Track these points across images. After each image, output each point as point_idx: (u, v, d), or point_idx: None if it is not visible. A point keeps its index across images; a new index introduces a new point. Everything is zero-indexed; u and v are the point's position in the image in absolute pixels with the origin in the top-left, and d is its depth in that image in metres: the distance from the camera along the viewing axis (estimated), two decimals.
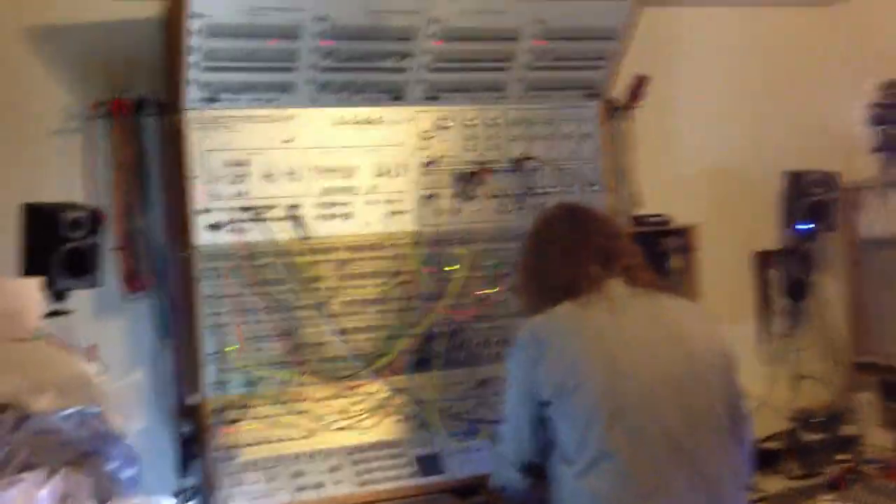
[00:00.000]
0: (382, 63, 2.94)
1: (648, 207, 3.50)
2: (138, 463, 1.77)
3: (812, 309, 3.78)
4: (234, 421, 2.81)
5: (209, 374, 2.83)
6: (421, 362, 3.04)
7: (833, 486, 3.13)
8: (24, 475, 1.63)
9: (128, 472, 1.73)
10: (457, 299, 3.08)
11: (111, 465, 1.72)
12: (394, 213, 3.05)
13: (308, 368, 2.92)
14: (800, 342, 3.81)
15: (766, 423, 3.63)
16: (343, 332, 2.96)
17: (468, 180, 3.13)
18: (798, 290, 3.78)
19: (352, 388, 2.97)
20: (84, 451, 1.70)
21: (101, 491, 1.64)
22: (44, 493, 1.63)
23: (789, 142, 3.82)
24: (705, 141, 3.73)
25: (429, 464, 2.95)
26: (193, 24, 2.64)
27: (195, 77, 2.74)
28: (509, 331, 3.13)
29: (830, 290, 3.80)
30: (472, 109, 3.15)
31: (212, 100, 2.80)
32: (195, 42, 2.68)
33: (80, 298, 2.77)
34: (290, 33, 2.78)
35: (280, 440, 2.86)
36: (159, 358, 2.97)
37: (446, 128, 3.12)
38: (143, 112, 2.92)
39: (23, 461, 1.65)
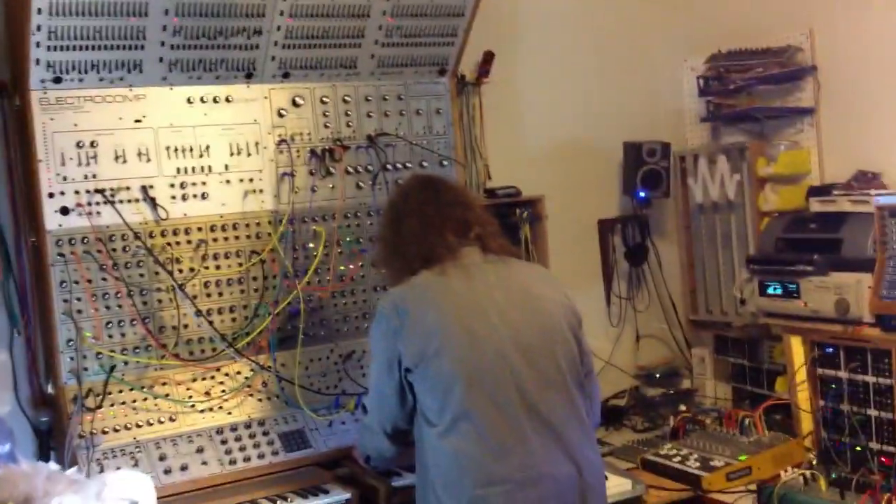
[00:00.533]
0: (233, 40, 2.92)
1: (499, 180, 3.62)
2: (12, 438, 1.74)
3: (650, 272, 4.01)
4: (93, 408, 2.76)
5: (66, 361, 2.77)
6: (282, 340, 3.06)
7: (674, 435, 3.35)
8: None
9: (3, 447, 1.70)
10: (316, 276, 3.12)
11: None
12: (250, 191, 3.05)
13: (168, 351, 2.90)
14: (640, 303, 4.03)
15: (612, 382, 3.86)
16: (202, 313, 2.95)
17: (323, 158, 3.16)
18: (637, 255, 3.99)
19: (213, 369, 2.97)
20: None
21: None
22: None
23: (627, 114, 4.01)
24: (550, 115, 3.87)
25: (293, 439, 2.98)
26: (37, 2, 2.55)
27: (39, 56, 2.65)
28: (369, 305, 3.21)
29: (667, 253, 4.02)
30: (325, 87, 3.17)
31: (57, 80, 2.71)
32: (38, 20, 2.59)
33: None
34: (137, 10, 2.72)
35: (143, 425, 2.84)
36: (13, 347, 2.87)
37: (300, 105, 3.13)
38: None
39: None
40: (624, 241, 3.99)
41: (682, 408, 3.59)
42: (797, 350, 3.16)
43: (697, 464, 3.02)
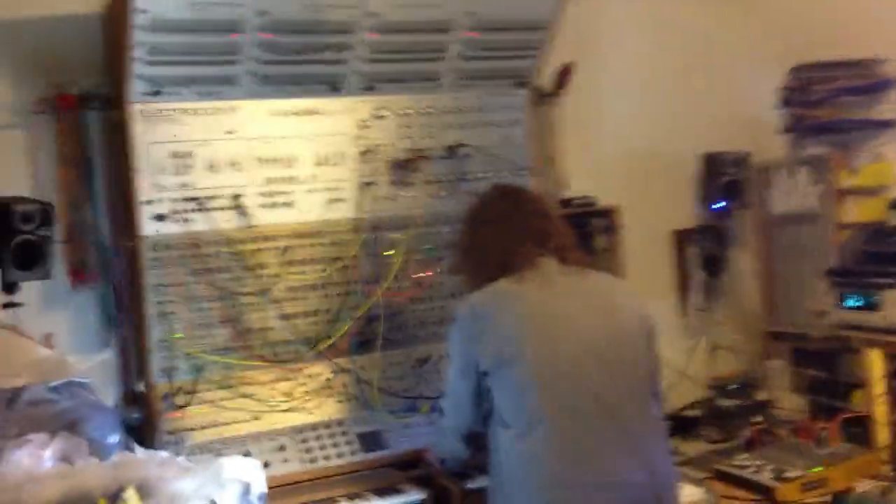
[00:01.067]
0: (321, 55, 3.03)
1: (574, 190, 3.67)
2: (121, 429, 1.86)
3: (727, 283, 4.00)
4: (182, 406, 2.89)
5: (156, 361, 2.90)
6: (362, 344, 3.15)
7: (748, 446, 3.36)
8: (31, 436, 1.72)
9: (114, 437, 1.83)
10: (395, 282, 3.20)
11: (98, 431, 1.81)
12: (333, 200, 3.15)
13: (253, 353, 3.02)
14: (716, 314, 4.03)
15: (685, 392, 3.86)
16: (286, 316, 3.06)
17: (404, 167, 3.24)
18: (714, 266, 3.99)
19: (296, 370, 3.07)
20: (74, 419, 1.79)
21: (95, 452, 1.74)
22: (48, 452, 1.71)
23: (704, 125, 4.02)
24: (626, 126, 3.91)
25: (371, 440, 3.07)
26: (137, 19, 2.69)
27: (139, 71, 2.79)
28: (445, 311, 3.28)
29: (744, 264, 4.02)
30: (407, 99, 3.26)
31: (156, 93, 2.85)
32: (139, 37, 2.73)
33: (29, 290, 2.81)
34: (231, 27, 2.84)
35: (227, 423, 2.96)
36: (107, 347, 3.03)
37: (382, 117, 3.22)
38: (86, 106, 2.96)
39: (23, 428, 1.73)
40: (700, 250, 3.99)
41: (758, 419, 3.58)
42: (876, 363, 3.14)
43: (771, 475, 3.02)
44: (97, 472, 1.50)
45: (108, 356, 2.01)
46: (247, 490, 1.54)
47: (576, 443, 2.35)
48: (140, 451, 1.63)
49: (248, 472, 1.59)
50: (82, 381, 1.86)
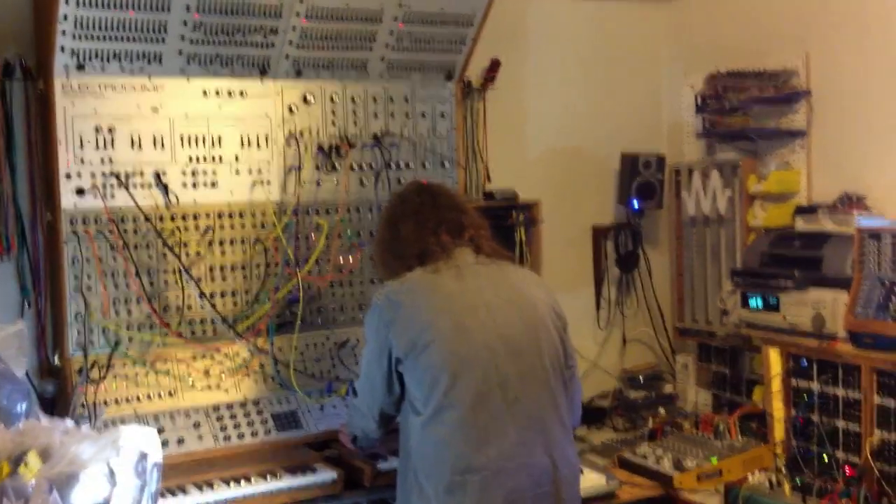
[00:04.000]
0: (250, 37, 3.06)
1: (498, 183, 3.75)
2: (32, 398, 1.89)
3: (640, 279, 4.14)
4: (96, 380, 2.91)
5: (73, 334, 2.91)
6: (281, 325, 3.21)
7: (651, 436, 3.49)
8: None
9: (22, 405, 1.85)
10: (316, 266, 3.26)
11: (7, 399, 1.83)
12: (257, 182, 3.19)
13: (171, 330, 3.04)
14: (628, 309, 4.16)
15: (597, 382, 4.00)
16: (206, 295, 3.09)
17: (329, 153, 3.30)
18: (628, 262, 4.12)
19: (214, 349, 3.11)
20: None
21: (2, 419, 1.75)
22: None
23: (625, 125, 4.14)
24: (549, 123, 4.01)
25: (286, 420, 3.12)
26: None
27: (63, 44, 2.79)
28: (365, 296, 3.35)
29: (657, 262, 4.15)
30: (335, 86, 3.31)
31: (80, 67, 2.86)
32: (64, 9, 2.73)
33: None
34: (159, 4, 2.86)
35: (142, 399, 2.98)
36: (24, 319, 3.01)
37: (309, 102, 3.27)
38: (10, 77, 2.94)
39: None
40: (616, 248, 4.11)
41: (662, 411, 3.72)
42: (774, 361, 3.27)
43: (670, 464, 3.15)
44: (2, 437, 1.53)
45: (21, 327, 2.01)
46: (143, 457, 1.59)
47: (481, 429, 2.44)
48: (45, 420, 1.66)
49: (146, 442, 1.64)
50: None
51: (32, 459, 1.49)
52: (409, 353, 2.50)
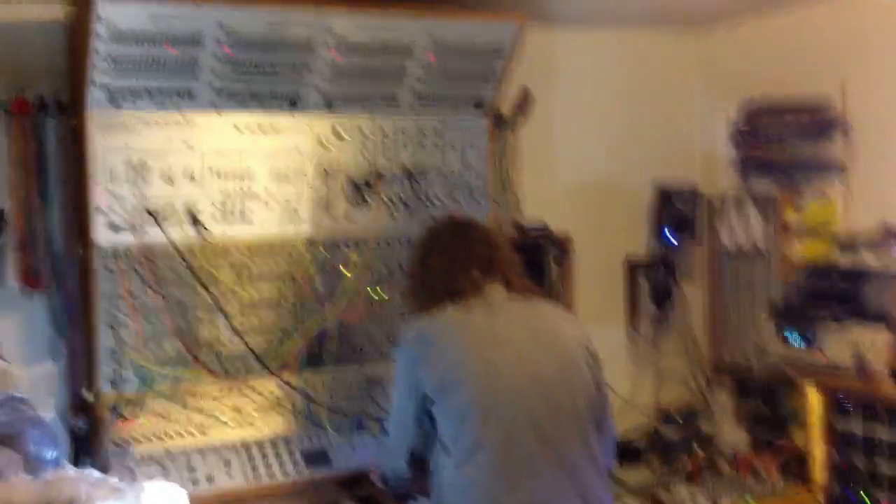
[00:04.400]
0: (281, 72, 3.05)
1: (529, 216, 3.71)
2: (60, 444, 1.86)
3: (676, 314, 4.07)
4: (128, 417, 2.88)
5: (105, 370, 2.89)
6: (312, 361, 3.17)
7: (689, 477, 3.41)
8: None
9: (51, 453, 1.82)
10: (347, 301, 3.22)
11: (36, 446, 1.80)
12: (289, 217, 3.17)
13: (203, 367, 3.01)
14: (663, 345, 4.09)
15: (631, 420, 3.92)
16: (238, 331, 3.06)
17: (361, 187, 3.27)
18: (663, 297, 4.05)
19: (245, 385, 3.08)
20: (10, 433, 1.78)
21: (30, 467, 1.73)
22: None
23: (658, 156, 4.10)
24: (581, 155, 3.97)
25: (316, 458, 3.08)
26: (97, 28, 2.69)
27: (97, 79, 2.79)
28: (396, 331, 3.29)
29: (692, 296, 4.08)
30: (366, 119, 3.29)
31: (114, 102, 2.86)
32: (98, 45, 2.73)
33: None
34: (191, 41, 2.85)
35: (174, 436, 2.95)
36: (56, 355, 3.01)
37: (341, 136, 3.25)
38: (44, 112, 2.95)
39: None
40: (650, 282, 4.05)
41: (699, 450, 3.64)
42: (813, 400, 3.21)
43: None
44: (28, 489, 1.50)
45: (52, 368, 1.98)
46: None
47: (512, 471, 2.38)
48: (73, 470, 1.62)
49: (171, 498, 1.59)
50: (21, 396, 1.85)
51: None
52: (439, 391, 2.46)
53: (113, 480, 1.61)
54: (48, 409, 1.97)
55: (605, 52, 4.02)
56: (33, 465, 1.72)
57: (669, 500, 3.18)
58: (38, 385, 1.93)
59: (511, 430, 2.41)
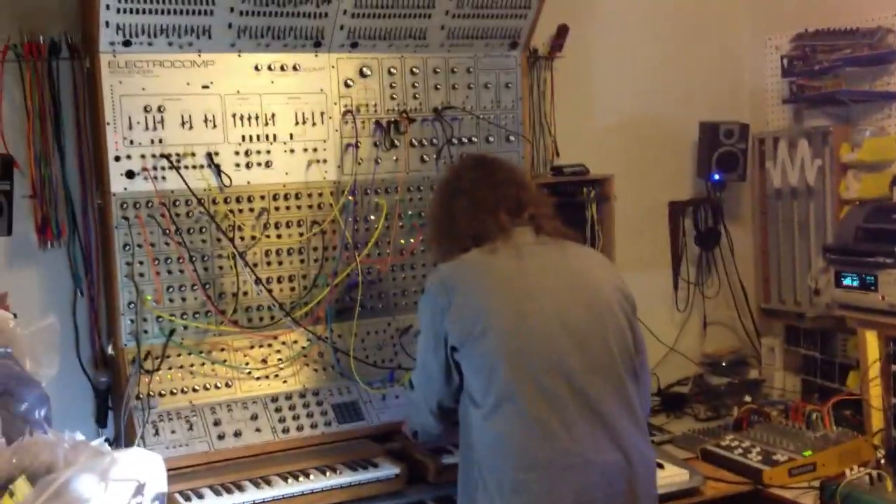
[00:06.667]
0: (302, 8, 2.90)
1: (567, 157, 3.55)
2: (48, 404, 1.76)
3: (722, 257, 3.90)
4: (151, 370, 2.80)
5: (126, 323, 2.81)
6: (340, 312, 3.06)
7: (737, 426, 3.26)
8: None
9: (39, 413, 1.73)
10: (375, 248, 3.10)
11: (23, 406, 1.71)
12: (314, 161, 3.04)
13: (227, 318, 2.92)
14: (709, 289, 3.93)
15: (675, 368, 3.78)
16: (262, 281, 2.96)
17: (389, 130, 3.13)
18: (709, 239, 3.89)
19: (270, 337, 2.98)
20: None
21: (13, 429, 1.63)
22: None
23: (703, 92, 3.91)
24: (623, 91, 3.79)
25: (347, 411, 2.98)
26: None
27: (109, 18, 2.67)
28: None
29: (740, 239, 3.92)
30: (394, 57, 3.13)
31: (127, 43, 2.73)
32: None
33: None
34: None
35: (199, 389, 2.86)
36: (77, 308, 2.93)
37: (367, 76, 3.10)
38: (56, 56, 2.84)
39: None
40: (695, 224, 3.88)
41: (748, 398, 3.48)
42: (871, 345, 3.04)
43: (759, 457, 2.93)
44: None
45: (52, 321, 1.90)
46: (139, 490, 1.43)
47: (544, 423, 2.24)
48: (51, 433, 1.52)
49: (147, 470, 1.48)
50: (7, 350, 1.76)
51: (19, 488, 1.35)
52: (465, 341, 2.31)
53: (96, 443, 1.50)
54: (51, 366, 1.87)
55: None
56: (20, 426, 1.62)
57: (718, 451, 3.02)
58: (37, 339, 1.83)
59: (542, 379, 2.26)
